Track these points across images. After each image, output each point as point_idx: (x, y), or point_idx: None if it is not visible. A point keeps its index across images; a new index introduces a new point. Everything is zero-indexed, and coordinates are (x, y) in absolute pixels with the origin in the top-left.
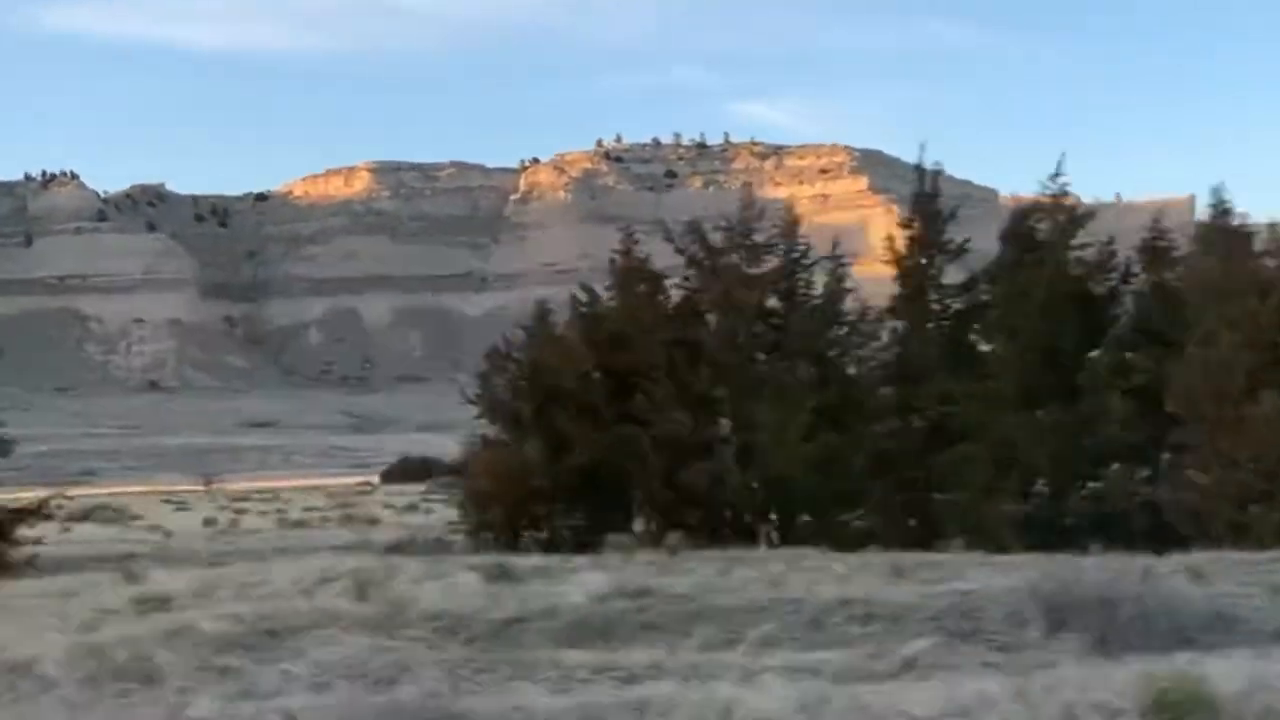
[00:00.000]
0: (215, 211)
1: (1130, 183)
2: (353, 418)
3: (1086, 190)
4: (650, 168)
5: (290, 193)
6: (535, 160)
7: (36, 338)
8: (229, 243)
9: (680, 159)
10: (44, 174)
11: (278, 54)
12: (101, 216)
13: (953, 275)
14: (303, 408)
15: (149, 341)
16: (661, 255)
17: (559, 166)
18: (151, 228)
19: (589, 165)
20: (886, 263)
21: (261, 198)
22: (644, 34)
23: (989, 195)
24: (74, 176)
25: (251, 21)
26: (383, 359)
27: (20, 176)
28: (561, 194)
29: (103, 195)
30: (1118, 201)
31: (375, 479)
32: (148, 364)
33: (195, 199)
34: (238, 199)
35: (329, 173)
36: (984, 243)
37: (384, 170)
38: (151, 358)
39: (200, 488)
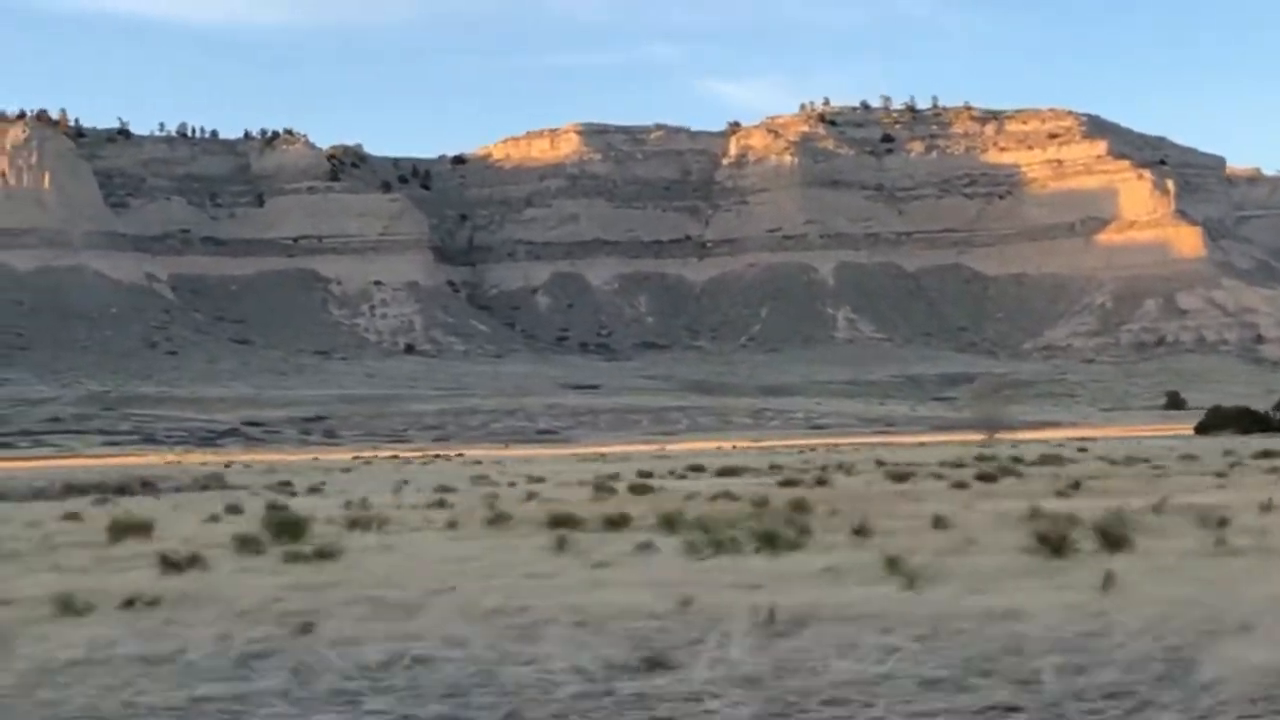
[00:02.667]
0: (416, 173)
1: None
2: (668, 381)
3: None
4: (865, 131)
5: (489, 155)
6: (736, 124)
7: (278, 300)
8: (437, 205)
9: (896, 123)
10: (264, 132)
11: (445, 16)
12: (333, 175)
13: (1237, 254)
14: (585, 373)
15: (391, 305)
16: (885, 220)
17: (772, 130)
18: (387, 187)
19: (805, 129)
20: None
21: (459, 160)
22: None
23: (1215, 163)
24: (291, 134)
25: None
26: (614, 325)
27: (240, 134)
28: (785, 158)
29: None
30: None
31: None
32: (395, 327)
33: (395, 161)
34: (433, 161)
35: (530, 135)
36: (1213, 210)
37: (591, 132)
38: (397, 321)
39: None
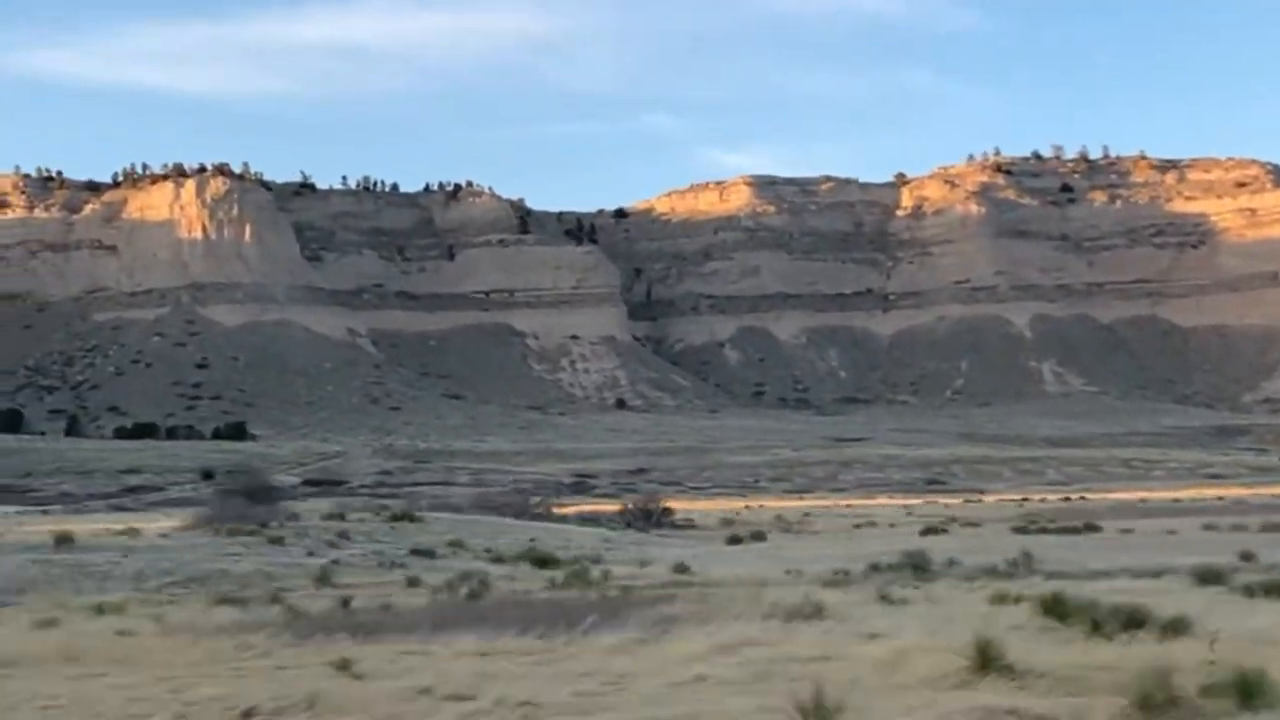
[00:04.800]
0: (581, 227)
1: None
2: (925, 434)
3: None
4: (1042, 181)
5: (652, 209)
6: (901, 175)
7: (478, 355)
8: (609, 259)
9: (1074, 173)
10: (442, 185)
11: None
12: (524, 228)
13: None
14: (813, 426)
15: (591, 359)
16: (1075, 270)
17: (948, 180)
18: (578, 240)
19: (983, 179)
20: None
21: (621, 214)
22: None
23: None
24: (474, 186)
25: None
26: (807, 379)
27: (420, 187)
28: (971, 207)
29: (517, 207)
30: None
31: None
32: (599, 383)
33: (559, 215)
34: (594, 215)
35: (696, 187)
36: None
37: (762, 184)
38: (599, 376)
39: None
